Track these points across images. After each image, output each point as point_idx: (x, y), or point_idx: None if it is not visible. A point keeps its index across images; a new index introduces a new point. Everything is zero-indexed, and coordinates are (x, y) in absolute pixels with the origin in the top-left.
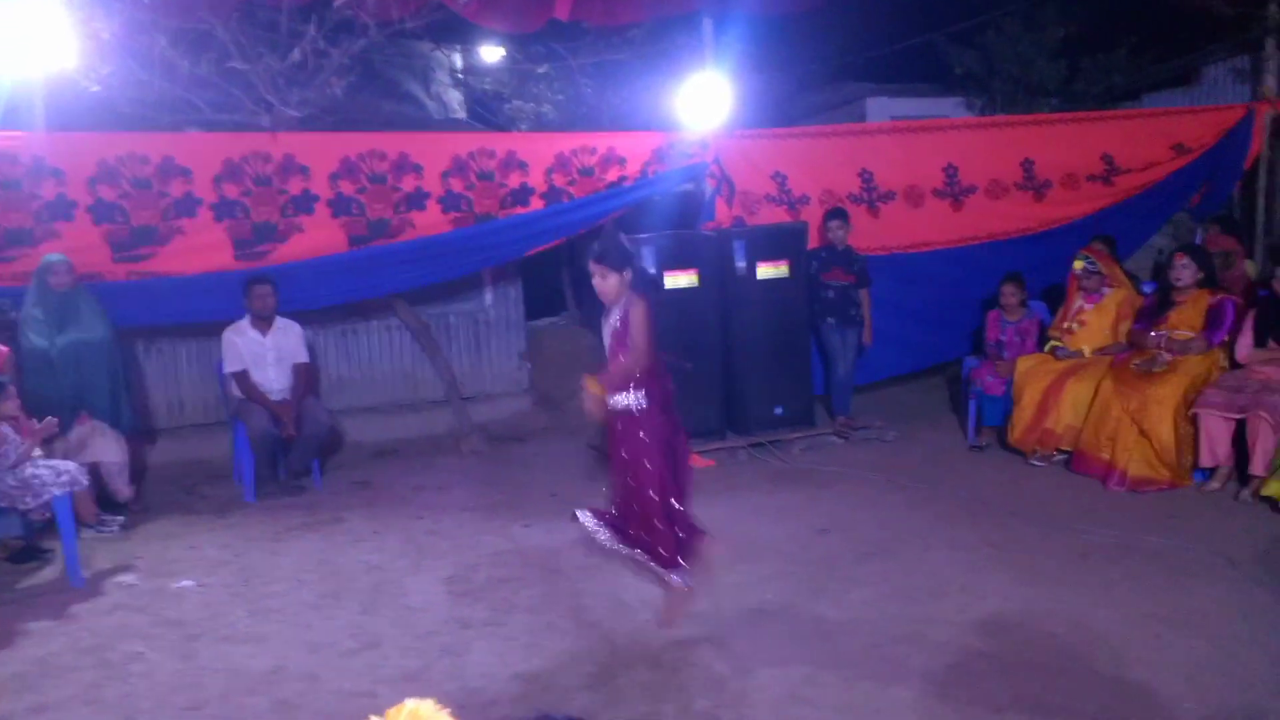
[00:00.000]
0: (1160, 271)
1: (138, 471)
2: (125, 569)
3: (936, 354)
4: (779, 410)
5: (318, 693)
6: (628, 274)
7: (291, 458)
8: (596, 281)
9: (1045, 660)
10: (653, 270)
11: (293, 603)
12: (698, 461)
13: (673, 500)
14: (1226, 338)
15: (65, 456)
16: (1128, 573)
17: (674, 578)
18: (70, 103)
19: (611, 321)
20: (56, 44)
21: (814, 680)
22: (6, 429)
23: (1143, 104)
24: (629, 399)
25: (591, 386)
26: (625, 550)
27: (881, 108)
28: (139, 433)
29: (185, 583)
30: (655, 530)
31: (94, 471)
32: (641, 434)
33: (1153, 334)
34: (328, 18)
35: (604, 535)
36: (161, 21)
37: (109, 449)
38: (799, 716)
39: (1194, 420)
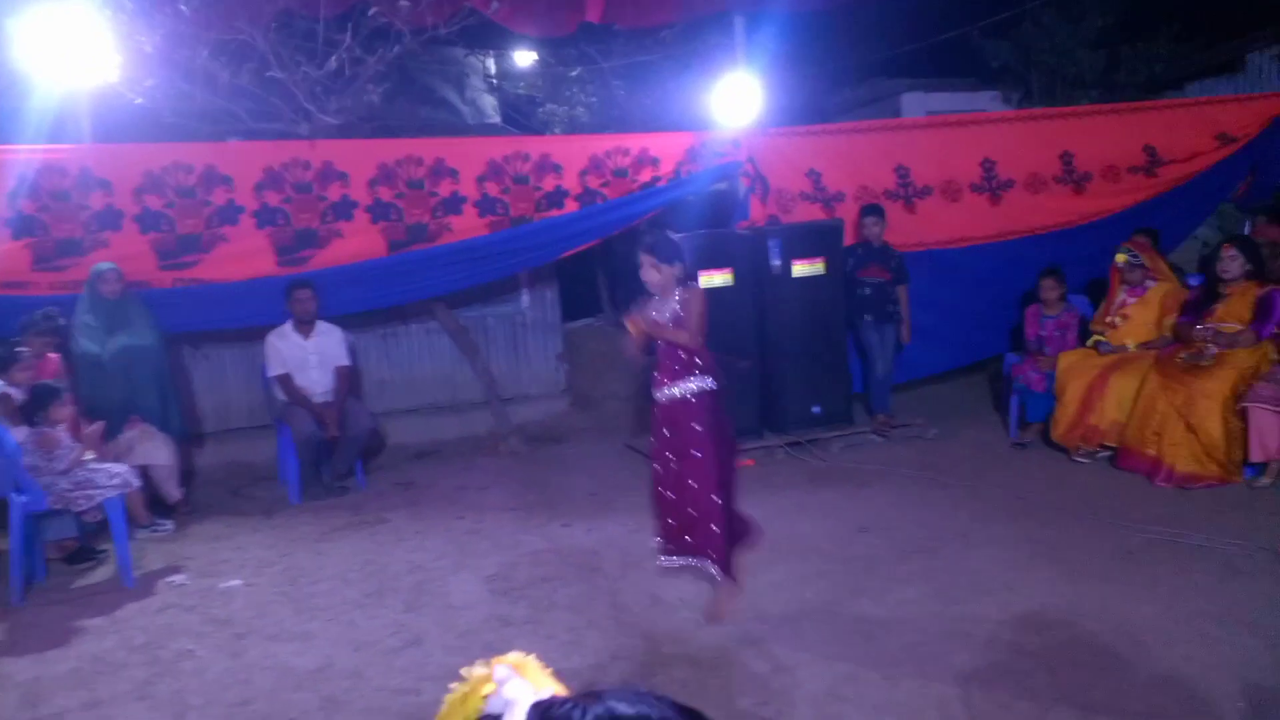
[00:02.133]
0: (1206, 264)
1: (186, 474)
2: (175, 569)
3: (977, 350)
4: (817, 409)
5: (363, 689)
6: (679, 268)
7: (335, 459)
8: (646, 272)
9: (1091, 658)
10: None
11: (338, 601)
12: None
13: (728, 500)
14: (1276, 330)
15: (116, 460)
16: (1175, 570)
17: (723, 577)
18: (115, 115)
19: (670, 309)
20: (101, 58)
21: (855, 678)
22: (61, 433)
23: (1186, 93)
24: (689, 386)
25: (632, 327)
26: (689, 562)
27: (916, 103)
28: (187, 436)
29: (233, 582)
30: (712, 534)
31: (144, 474)
32: (696, 425)
33: (1199, 327)
34: (363, 26)
35: (673, 561)
36: (202, 33)
37: (159, 452)
38: (840, 714)
39: (1243, 414)
